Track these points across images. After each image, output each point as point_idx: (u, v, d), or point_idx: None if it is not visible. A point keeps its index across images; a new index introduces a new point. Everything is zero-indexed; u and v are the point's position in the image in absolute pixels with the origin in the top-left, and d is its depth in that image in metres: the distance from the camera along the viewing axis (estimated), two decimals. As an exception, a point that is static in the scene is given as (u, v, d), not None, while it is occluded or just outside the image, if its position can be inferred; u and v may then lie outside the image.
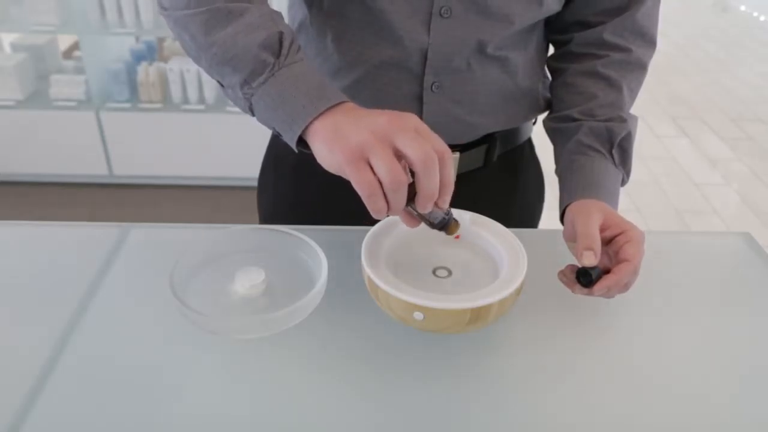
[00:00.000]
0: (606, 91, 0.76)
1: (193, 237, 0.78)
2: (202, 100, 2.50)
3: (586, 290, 0.62)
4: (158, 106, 2.48)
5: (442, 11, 0.69)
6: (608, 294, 0.63)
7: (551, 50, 0.85)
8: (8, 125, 2.48)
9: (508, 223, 0.68)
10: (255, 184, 0.96)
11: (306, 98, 0.56)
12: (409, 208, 0.55)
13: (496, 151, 0.84)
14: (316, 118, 0.55)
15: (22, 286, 0.68)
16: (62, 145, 2.53)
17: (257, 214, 0.97)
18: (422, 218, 0.57)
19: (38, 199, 2.57)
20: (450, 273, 0.64)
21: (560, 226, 0.71)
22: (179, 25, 0.62)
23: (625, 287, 0.63)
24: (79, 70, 2.58)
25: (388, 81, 0.74)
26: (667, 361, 0.62)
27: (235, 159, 2.52)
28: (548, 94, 0.84)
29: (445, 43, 0.71)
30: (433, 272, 0.64)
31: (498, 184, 0.87)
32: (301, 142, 0.57)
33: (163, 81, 2.49)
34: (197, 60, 0.63)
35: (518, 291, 0.59)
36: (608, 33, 0.76)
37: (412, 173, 0.52)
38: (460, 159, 0.81)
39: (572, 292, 0.63)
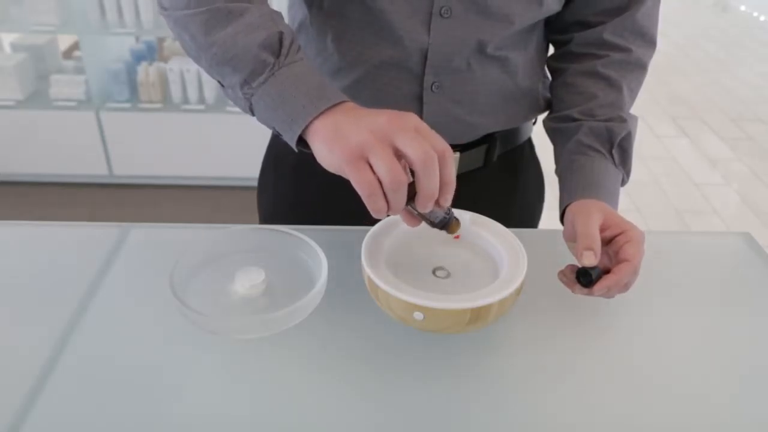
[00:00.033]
0: (606, 91, 0.76)
1: (193, 237, 0.78)
2: (202, 100, 2.50)
3: (586, 290, 0.62)
4: (158, 106, 2.48)
5: (442, 11, 0.69)
6: (608, 294, 0.63)
7: (551, 50, 0.85)
8: (8, 125, 2.48)
9: (508, 223, 0.68)
10: (255, 184, 0.96)
11: (306, 98, 0.56)
12: (409, 207, 0.55)
13: (496, 151, 0.84)
14: (316, 118, 0.55)
15: (22, 286, 0.68)
16: (62, 145, 2.53)
17: (257, 214, 0.97)
18: (423, 217, 0.57)
19: (38, 199, 2.57)
20: (450, 273, 0.64)
21: (560, 226, 0.71)
22: (179, 25, 0.62)
23: (625, 287, 0.63)
24: (79, 70, 2.58)
25: (388, 81, 0.74)
26: (667, 361, 0.62)
27: (235, 159, 2.52)
28: (548, 94, 0.84)
29: (445, 43, 0.71)
30: (433, 272, 0.64)
31: (498, 184, 0.87)
32: (301, 141, 0.57)
33: (163, 81, 2.49)
34: (197, 60, 0.63)
35: (518, 291, 0.59)
36: (608, 33, 0.76)
37: (413, 173, 0.52)
38: (460, 159, 0.81)
39: (572, 292, 0.63)
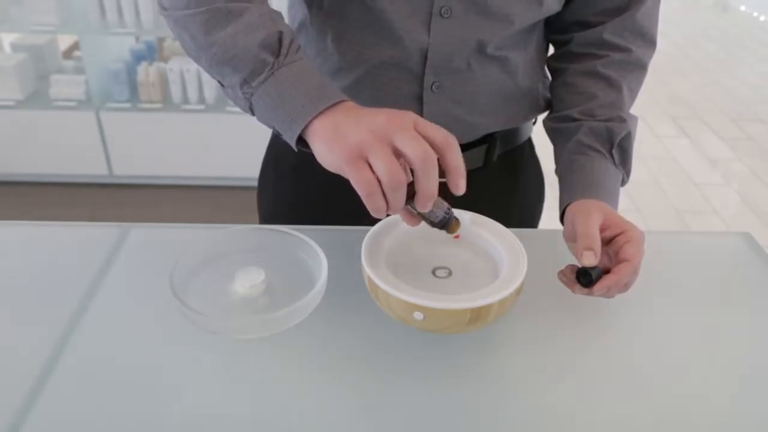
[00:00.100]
0: (606, 91, 0.76)
1: (193, 237, 0.78)
2: (202, 100, 2.50)
3: (586, 290, 0.62)
4: (158, 106, 2.48)
5: (442, 11, 0.69)
6: (608, 294, 0.63)
7: (551, 50, 0.85)
8: (8, 125, 2.48)
9: (508, 223, 0.68)
10: (255, 184, 0.96)
11: (306, 98, 0.56)
12: (408, 207, 0.55)
13: (496, 151, 0.84)
14: (315, 118, 0.55)
15: (22, 286, 0.68)
16: (62, 145, 2.53)
17: (257, 214, 0.97)
18: (423, 217, 0.57)
19: (38, 199, 2.57)
20: (450, 273, 0.64)
21: (560, 226, 0.71)
22: (179, 25, 0.62)
23: (625, 287, 0.63)
24: (79, 70, 2.58)
25: (388, 81, 0.74)
26: (667, 361, 0.62)
27: (235, 159, 2.52)
28: (548, 94, 0.84)
29: (445, 43, 0.71)
30: (433, 272, 0.64)
31: (498, 184, 0.87)
32: (301, 141, 0.57)
33: (163, 81, 2.49)
34: (197, 60, 0.63)
35: (518, 291, 0.59)
36: (608, 33, 0.76)
37: (412, 172, 0.52)
38: (460, 159, 0.80)
39: (572, 292, 0.63)
